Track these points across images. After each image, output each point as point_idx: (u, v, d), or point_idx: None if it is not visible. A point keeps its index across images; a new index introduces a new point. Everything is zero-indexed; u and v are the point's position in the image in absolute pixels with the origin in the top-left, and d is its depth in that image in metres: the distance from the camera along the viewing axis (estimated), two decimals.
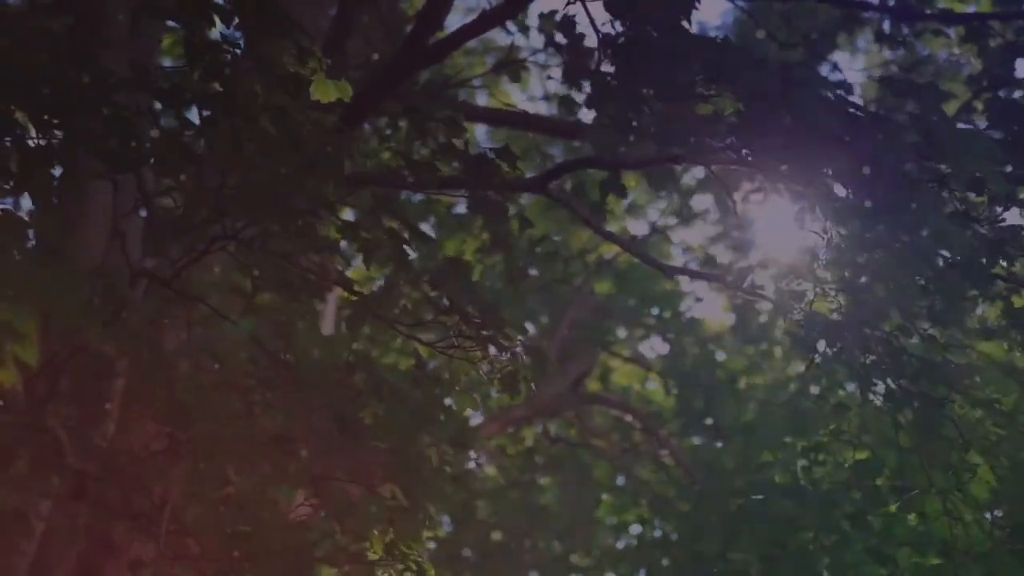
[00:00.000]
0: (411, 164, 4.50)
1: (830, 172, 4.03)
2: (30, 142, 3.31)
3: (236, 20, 3.65)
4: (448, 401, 4.63)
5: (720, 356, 13.04)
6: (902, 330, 4.46)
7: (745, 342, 12.99)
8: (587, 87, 4.48)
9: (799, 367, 11.45)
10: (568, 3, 4.92)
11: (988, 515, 5.50)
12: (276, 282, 3.94)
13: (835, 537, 7.46)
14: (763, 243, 5.07)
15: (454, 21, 13.67)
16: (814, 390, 10.09)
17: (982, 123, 4.63)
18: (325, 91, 3.81)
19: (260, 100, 3.63)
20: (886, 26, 7.84)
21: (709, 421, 12.02)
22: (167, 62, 6.87)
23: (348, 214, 6.00)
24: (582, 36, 4.75)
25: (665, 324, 13.02)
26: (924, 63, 9.11)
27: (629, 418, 12.47)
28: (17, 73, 3.27)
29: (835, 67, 8.60)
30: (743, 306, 12.73)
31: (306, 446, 3.91)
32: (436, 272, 4.19)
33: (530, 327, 11.70)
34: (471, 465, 11.77)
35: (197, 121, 3.62)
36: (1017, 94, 6.63)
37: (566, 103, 6.71)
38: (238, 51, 3.68)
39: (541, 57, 8.78)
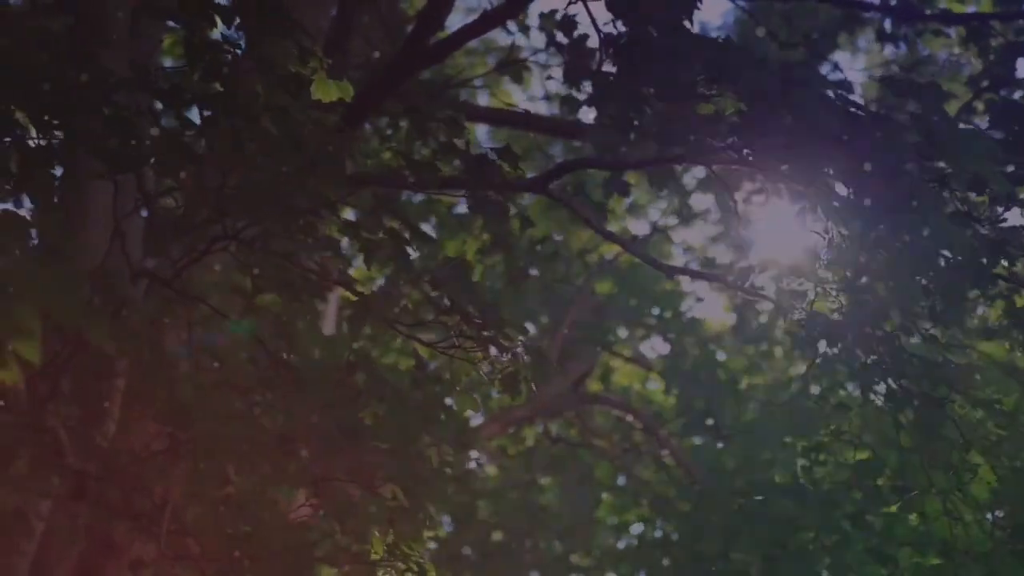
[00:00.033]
0: (412, 164, 4.50)
1: (831, 172, 4.03)
2: (30, 142, 3.30)
3: (237, 20, 3.65)
4: (449, 401, 4.63)
5: (721, 356, 13.04)
6: (903, 330, 4.46)
7: (746, 342, 12.99)
8: (588, 87, 4.48)
9: (800, 367, 11.45)
10: (569, 3, 4.93)
11: (989, 515, 5.50)
12: (277, 282, 3.93)
13: (836, 537, 7.46)
14: (764, 243, 5.07)
15: (455, 21, 13.68)
16: (815, 390, 10.08)
17: (982, 123, 4.63)
18: (326, 91, 3.81)
19: (261, 100, 3.63)
20: (887, 25, 7.84)
21: (710, 421, 12.01)
22: (168, 62, 6.87)
23: (349, 214, 6.00)
24: (585, 36, 4.75)
25: (666, 324, 13.02)
26: (925, 63, 9.11)
27: (630, 418, 12.47)
28: (17, 73, 3.27)
29: (836, 67, 8.60)
30: (744, 306, 12.73)
31: (307, 446, 3.91)
32: (437, 272, 4.18)
33: (531, 327, 11.72)
34: (472, 465, 11.78)
35: (198, 121, 3.61)
36: (1018, 94, 6.62)
37: (567, 102, 6.71)
38: (239, 51, 3.68)
39: (542, 57, 8.78)
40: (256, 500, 3.88)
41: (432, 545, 11.14)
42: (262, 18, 3.66)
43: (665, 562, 11.51)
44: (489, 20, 5.25)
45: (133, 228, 4.06)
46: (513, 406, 9.41)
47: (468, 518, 11.94)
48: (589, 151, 7.06)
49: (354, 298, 4.18)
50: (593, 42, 4.57)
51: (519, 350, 4.16)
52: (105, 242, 3.87)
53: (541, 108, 11.11)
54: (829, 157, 4.00)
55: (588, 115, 9.06)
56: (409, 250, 4.24)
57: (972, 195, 4.08)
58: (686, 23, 4.29)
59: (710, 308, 14.22)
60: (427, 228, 9.70)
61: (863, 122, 4.06)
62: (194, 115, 3.62)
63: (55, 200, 3.40)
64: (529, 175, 5.46)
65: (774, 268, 4.73)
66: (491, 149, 4.46)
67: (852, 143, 3.99)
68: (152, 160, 3.56)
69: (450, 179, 4.77)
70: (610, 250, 11.87)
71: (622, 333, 13.55)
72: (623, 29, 4.29)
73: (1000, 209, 4.11)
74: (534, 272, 10.72)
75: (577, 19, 5.25)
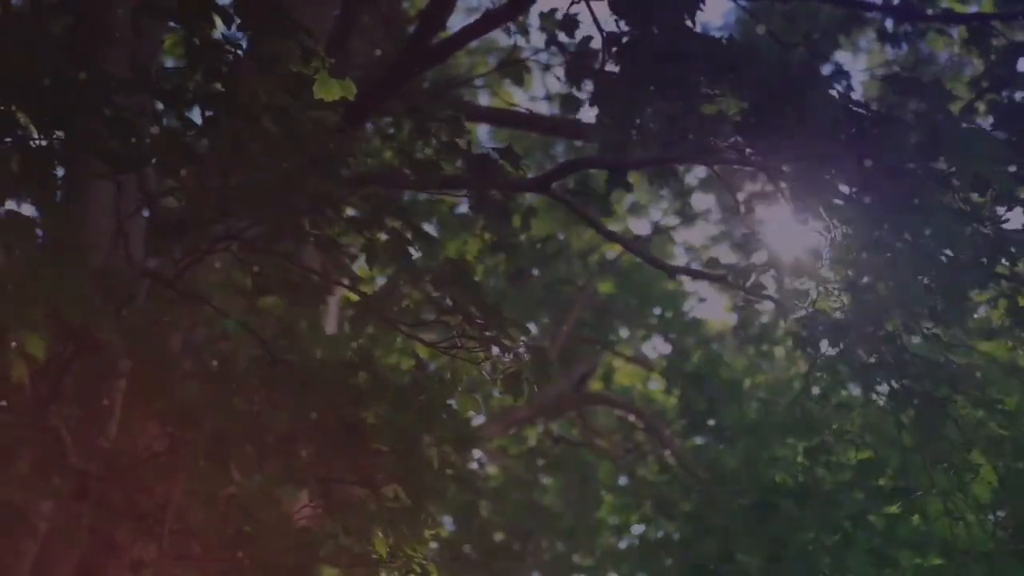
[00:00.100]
0: (414, 164, 4.50)
1: (833, 171, 4.02)
2: (32, 143, 3.30)
3: (237, 21, 3.64)
4: (450, 401, 4.62)
5: (723, 355, 13.03)
6: (905, 330, 4.46)
7: (747, 342, 12.98)
8: (589, 85, 4.47)
9: (802, 367, 11.43)
10: (572, 2, 4.92)
11: (990, 516, 5.49)
12: (279, 282, 3.93)
13: (837, 537, 7.45)
14: (766, 243, 5.06)
15: (456, 21, 13.67)
16: (816, 390, 10.07)
17: (984, 124, 4.62)
18: (329, 90, 3.80)
19: (262, 100, 3.63)
20: (888, 25, 7.83)
21: (712, 421, 12.00)
22: (169, 62, 6.86)
23: (351, 214, 5.99)
24: (589, 38, 4.75)
25: (668, 324, 13.01)
26: (926, 63, 9.09)
27: (632, 418, 12.47)
28: (18, 73, 3.27)
29: (838, 68, 8.59)
30: (745, 306, 12.70)
31: (308, 447, 3.91)
32: (438, 272, 4.18)
33: (532, 327, 11.70)
34: (473, 465, 11.78)
35: (199, 121, 3.61)
36: (1019, 95, 6.61)
37: (568, 101, 6.70)
38: (239, 51, 3.68)
39: (543, 56, 8.77)
40: (258, 500, 3.88)
41: (434, 545, 11.12)
42: (264, 18, 3.66)
43: (667, 562, 11.50)
44: (491, 20, 5.25)
45: (135, 228, 4.06)
46: (515, 406, 9.40)
47: (470, 518, 11.93)
48: (591, 151, 7.05)
49: (356, 298, 4.18)
50: (595, 42, 4.57)
51: (521, 350, 4.16)
52: (107, 242, 3.88)
53: (542, 108, 11.11)
54: (831, 156, 3.99)
55: (589, 114, 9.06)
56: (411, 250, 4.24)
57: (975, 195, 4.07)
58: (688, 23, 4.28)
59: (712, 308, 14.21)
60: (429, 228, 9.69)
61: (865, 121, 4.05)
62: (195, 115, 3.62)
63: (56, 200, 3.39)
64: (530, 175, 5.46)
65: (776, 268, 4.73)
66: (493, 149, 4.45)
67: (854, 142, 3.98)
68: (153, 160, 3.56)
69: (452, 179, 4.77)
70: (612, 250, 11.87)
71: (624, 333, 13.54)
72: (626, 28, 4.28)
73: (1002, 209, 4.11)
74: (536, 272, 10.72)
75: (579, 18, 5.25)
